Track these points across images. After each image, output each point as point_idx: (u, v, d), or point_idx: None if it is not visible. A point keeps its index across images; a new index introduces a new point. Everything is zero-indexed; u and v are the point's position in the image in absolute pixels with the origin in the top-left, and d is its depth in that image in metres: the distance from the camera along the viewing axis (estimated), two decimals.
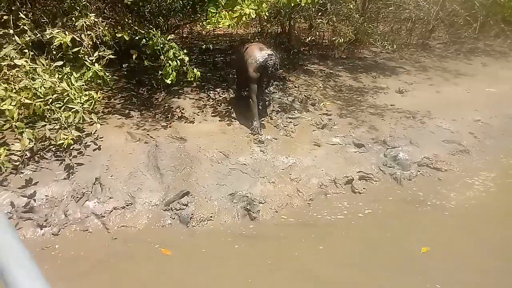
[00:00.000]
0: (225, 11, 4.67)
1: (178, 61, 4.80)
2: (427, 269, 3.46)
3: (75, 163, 4.20)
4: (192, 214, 4.00)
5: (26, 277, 0.54)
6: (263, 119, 5.41)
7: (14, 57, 4.19)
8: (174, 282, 3.29)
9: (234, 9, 4.60)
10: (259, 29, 8.12)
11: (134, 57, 5.73)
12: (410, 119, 5.81)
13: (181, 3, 6.40)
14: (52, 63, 4.33)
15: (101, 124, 4.43)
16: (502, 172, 5.07)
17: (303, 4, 5.20)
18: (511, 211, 4.24)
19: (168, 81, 4.78)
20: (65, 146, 4.14)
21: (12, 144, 3.96)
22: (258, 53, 4.97)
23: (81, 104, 4.23)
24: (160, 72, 4.85)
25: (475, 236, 3.86)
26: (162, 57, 4.79)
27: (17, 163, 3.97)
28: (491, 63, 8.23)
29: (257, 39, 7.87)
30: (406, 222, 4.13)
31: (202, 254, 3.62)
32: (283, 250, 3.72)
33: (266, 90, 5.74)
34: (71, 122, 4.12)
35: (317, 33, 8.19)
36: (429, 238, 3.84)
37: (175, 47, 4.89)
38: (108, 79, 4.56)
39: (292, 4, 5.28)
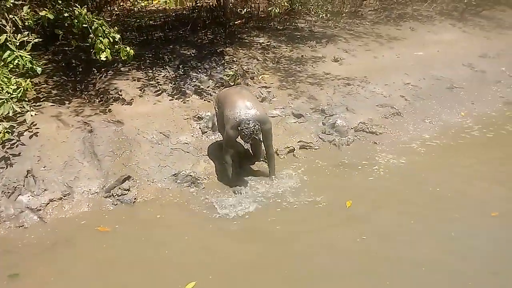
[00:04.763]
0: None
1: (110, 38, 4.57)
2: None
3: (3, 156, 3.94)
4: (135, 199, 3.94)
5: None
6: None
7: None
8: (116, 263, 3.28)
9: None
10: (194, 4, 7.89)
11: (60, 37, 5.39)
12: (346, 87, 6.02)
13: None
14: None
15: (32, 115, 4.19)
16: (429, 132, 5.42)
17: None
18: (435, 169, 4.58)
19: (103, 58, 4.53)
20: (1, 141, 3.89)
21: None
22: (239, 107, 3.95)
23: (9, 94, 3.97)
24: (92, 50, 4.60)
25: (400, 195, 4.15)
26: (91, 35, 4.54)
27: None
28: (419, 27, 8.62)
29: (193, 15, 7.68)
30: (340, 184, 4.34)
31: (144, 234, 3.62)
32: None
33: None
34: (0, 114, 3.86)
35: (252, 5, 8.11)
36: (359, 197, 4.09)
37: (104, 25, 4.64)
38: (36, 67, 4.26)
39: None
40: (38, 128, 4.33)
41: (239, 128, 3.88)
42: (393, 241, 3.52)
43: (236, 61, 6.42)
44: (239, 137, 4.03)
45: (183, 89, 5.52)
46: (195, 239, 3.55)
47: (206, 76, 5.89)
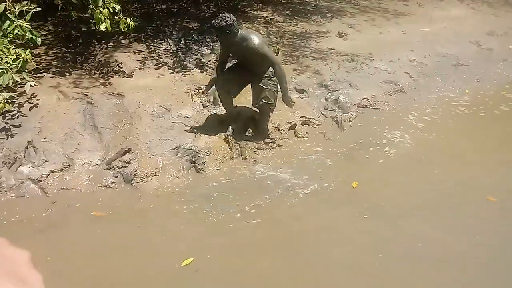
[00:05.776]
0: None
1: (110, 9, 4.48)
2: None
3: (4, 127, 3.93)
4: (135, 171, 3.93)
5: None
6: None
7: None
8: (113, 243, 3.25)
9: None
10: None
11: (59, 8, 5.30)
12: (350, 62, 5.92)
13: None
14: None
15: (32, 85, 4.14)
16: (432, 110, 5.36)
17: None
18: (440, 148, 4.55)
19: (102, 28, 4.44)
20: (1, 111, 3.87)
21: None
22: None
23: (8, 64, 3.92)
24: (92, 21, 4.51)
25: (404, 174, 4.13)
26: (90, 6, 4.44)
27: None
28: (426, 2, 8.43)
29: None
30: (343, 161, 4.32)
31: (147, 211, 3.62)
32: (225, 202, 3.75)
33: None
34: (0, 84, 3.82)
35: None
36: (362, 175, 4.06)
37: None
38: (36, 37, 4.18)
39: None
40: (38, 100, 4.30)
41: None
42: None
43: None
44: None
45: (184, 63, 5.45)
46: (194, 221, 3.50)
47: (208, 49, 5.80)
